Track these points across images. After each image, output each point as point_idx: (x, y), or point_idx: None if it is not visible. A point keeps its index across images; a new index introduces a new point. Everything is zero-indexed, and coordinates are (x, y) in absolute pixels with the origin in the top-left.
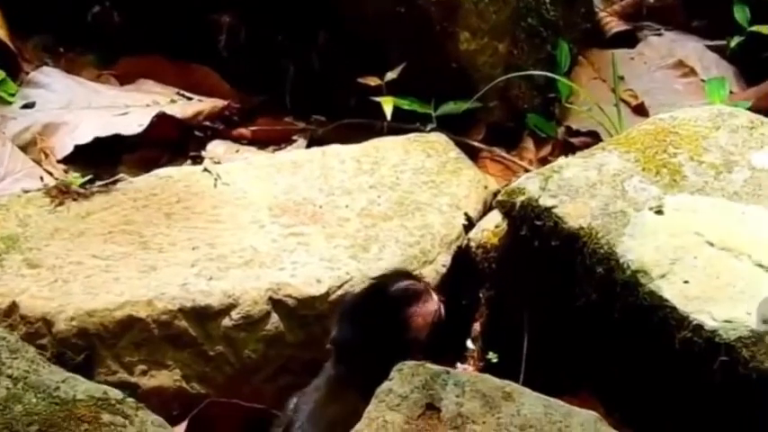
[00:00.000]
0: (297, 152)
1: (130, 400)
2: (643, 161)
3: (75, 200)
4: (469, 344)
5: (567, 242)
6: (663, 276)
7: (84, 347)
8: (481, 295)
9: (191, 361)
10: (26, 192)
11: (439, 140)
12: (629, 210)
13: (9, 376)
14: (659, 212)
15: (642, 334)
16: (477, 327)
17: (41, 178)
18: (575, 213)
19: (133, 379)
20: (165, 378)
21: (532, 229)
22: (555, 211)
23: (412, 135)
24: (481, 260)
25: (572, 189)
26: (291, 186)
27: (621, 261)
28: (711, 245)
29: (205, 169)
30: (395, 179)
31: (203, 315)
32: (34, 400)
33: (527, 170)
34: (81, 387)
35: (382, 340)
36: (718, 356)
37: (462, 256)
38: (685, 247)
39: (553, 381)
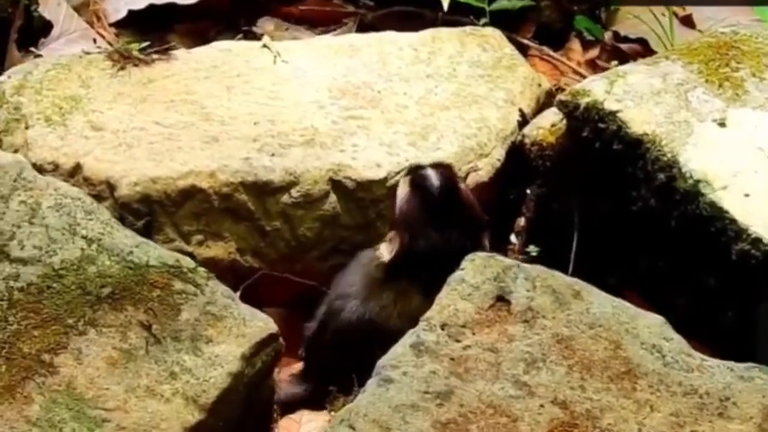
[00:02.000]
0: (353, 36)
1: (202, 269)
2: (706, 73)
3: (136, 65)
4: (512, 238)
5: (630, 147)
6: (724, 188)
7: (145, 213)
8: (529, 191)
9: (247, 234)
10: (87, 53)
11: (494, 35)
12: (693, 120)
13: (84, 237)
14: (722, 125)
15: (698, 243)
16: (521, 222)
17: (94, 40)
18: (639, 119)
19: (189, 248)
20: (221, 250)
21: (595, 132)
22: (619, 115)
23: (467, 28)
24: (535, 157)
25: (636, 95)
26: (350, 69)
27: (684, 170)
28: None
29: (264, 45)
30: (451, 70)
31: (264, 190)
32: (108, 263)
33: (575, 71)
34: (154, 253)
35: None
36: None
37: (515, 152)
38: (747, 162)
39: (598, 281)
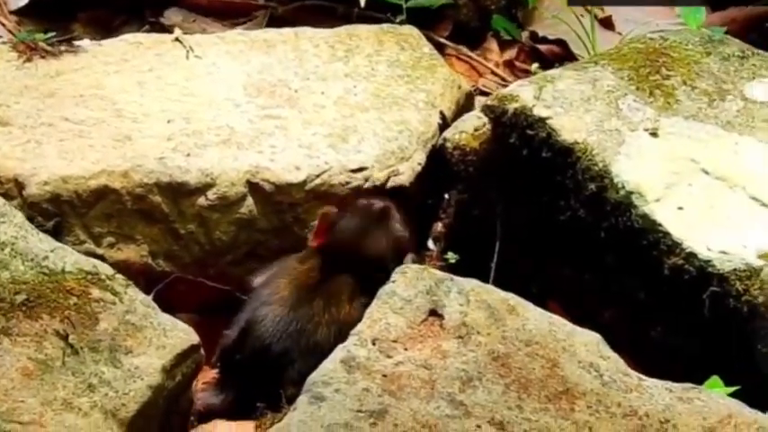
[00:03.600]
0: (268, 31)
1: (120, 276)
2: (636, 80)
3: (43, 57)
4: (430, 244)
5: (560, 155)
6: (657, 200)
7: (54, 214)
8: (447, 196)
9: (160, 237)
10: None
11: (412, 34)
12: (624, 129)
13: None
14: (654, 135)
15: (628, 256)
16: (438, 227)
17: None
18: (569, 127)
19: (100, 251)
20: (133, 253)
21: (523, 138)
22: (549, 122)
23: (384, 25)
24: (457, 161)
25: (566, 101)
26: (265, 66)
27: (616, 181)
28: (706, 173)
29: (177, 39)
30: (370, 69)
31: (179, 192)
32: (22, 268)
33: (493, 72)
34: (70, 258)
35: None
36: (708, 287)
37: (436, 156)
38: (680, 173)
39: (520, 290)
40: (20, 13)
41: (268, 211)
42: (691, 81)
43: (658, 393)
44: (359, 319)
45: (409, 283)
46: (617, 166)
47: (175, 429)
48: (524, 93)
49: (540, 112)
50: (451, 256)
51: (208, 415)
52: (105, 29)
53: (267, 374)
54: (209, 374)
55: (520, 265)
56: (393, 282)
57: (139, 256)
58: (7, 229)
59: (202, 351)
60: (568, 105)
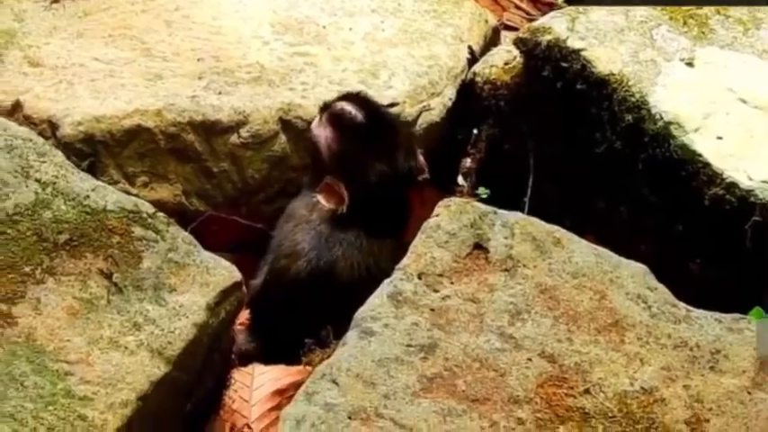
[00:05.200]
0: None
1: (161, 214)
2: (669, 10)
3: None
4: (460, 179)
5: (595, 87)
6: (696, 131)
7: (88, 154)
8: (477, 131)
9: (193, 176)
10: None
11: None
12: (660, 59)
13: (37, 180)
14: (690, 64)
15: (667, 187)
16: (467, 162)
17: None
18: (604, 58)
19: (134, 190)
20: (166, 192)
21: (556, 71)
22: (583, 54)
23: None
24: (487, 96)
25: (600, 33)
26: (291, 4)
27: (653, 111)
28: (744, 102)
29: None
30: (396, 5)
31: (212, 130)
32: (64, 208)
33: (517, 6)
34: (111, 197)
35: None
36: (751, 217)
37: (465, 91)
38: (718, 103)
39: (554, 223)
40: None
41: (300, 148)
42: (724, 10)
43: (708, 324)
44: (383, 259)
45: (453, 216)
46: (654, 96)
47: (218, 366)
48: (557, 25)
49: (573, 43)
50: (483, 191)
51: (244, 358)
52: None
53: (294, 322)
54: (243, 315)
55: (553, 200)
56: (437, 215)
57: (173, 195)
58: (48, 169)
59: (244, 288)
60: (602, 37)
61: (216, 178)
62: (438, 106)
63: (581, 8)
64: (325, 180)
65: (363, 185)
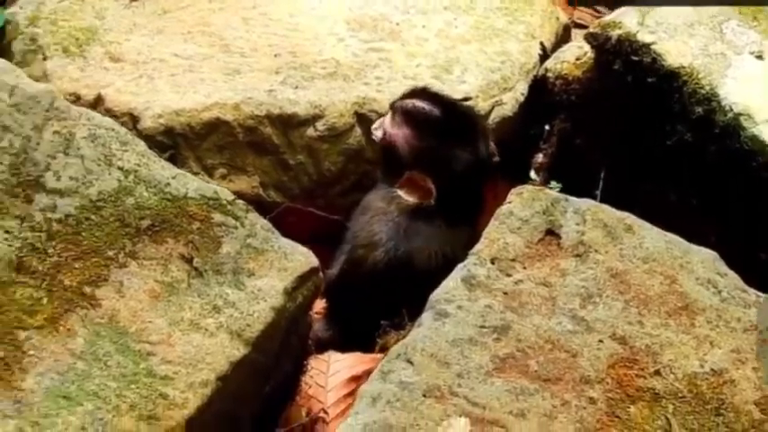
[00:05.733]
0: None
1: (240, 201)
2: (738, 5)
3: None
4: (532, 174)
5: (666, 80)
6: (766, 121)
7: (168, 146)
8: (547, 127)
9: (270, 169)
10: None
11: None
12: (729, 52)
13: (120, 168)
14: (760, 57)
15: (737, 178)
16: (539, 158)
17: None
18: (674, 51)
19: (213, 182)
20: (244, 184)
21: (627, 65)
22: (654, 47)
23: None
24: (559, 91)
25: (670, 27)
26: (366, 1)
27: (723, 103)
28: None
29: None
30: (469, 2)
31: (288, 123)
32: (146, 194)
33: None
34: (192, 185)
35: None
36: None
37: (537, 86)
38: None
39: None
40: None
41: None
42: None
43: None
44: (459, 247)
45: (525, 203)
46: (724, 88)
47: (295, 350)
48: (627, 19)
49: (644, 37)
50: (555, 185)
51: (320, 345)
52: None
53: (370, 311)
54: (320, 304)
55: (623, 192)
56: (510, 203)
57: (250, 187)
58: (130, 157)
59: (321, 274)
60: (672, 31)
61: (293, 170)
62: (510, 101)
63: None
64: (405, 175)
65: (449, 176)
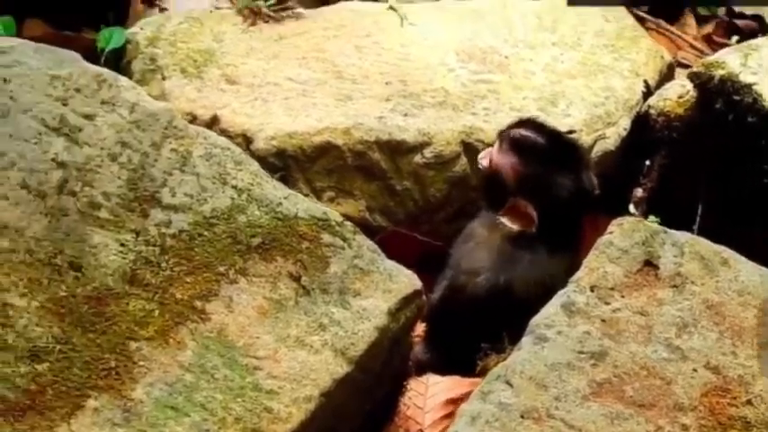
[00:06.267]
0: (477, 1)
1: (348, 223)
2: None
3: (266, 22)
4: (631, 208)
5: (766, 120)
6: None
7: (279, 168)
8: (648, 162)
9: (377, 193)
10: (218, 8)
11: (615, 7)
12: None
13: (234, 187)
14: None
15: None
16: (638, 192)
17: None
18: None
19: (321, 204)
20: (351, 207)
21: (728, 104)
22: (755, 87)
23: None
24: (661, 128)
25: None
26: (476, 34)
27: None
28: None
29: (390, 7)
30: (576, 39)
31: (397, 149)
32: (257, 213)
33: (692, 45)
34: (302, 205)
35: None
36: None
37: (639, 122)
38: None
39: None
40: None
41: (479, 169)
42: None
43: None
44: (558, 275)
45: (625, 234)
46: None
47: (395, 370)
48: (730, 60)
49: (746, 78)
50: (653, 220)
51: (419, 368)
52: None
53: (470, 337)
54: (421, 327)
55: (720, 228)
56: (610, 233)
57: (357, 211)
58: (244, 177)
59: (424, 297)
60: None
61: (399, 196)
62: (613, 135)
63: (753, 44)
64: (509, 202)
65: (552, 204)
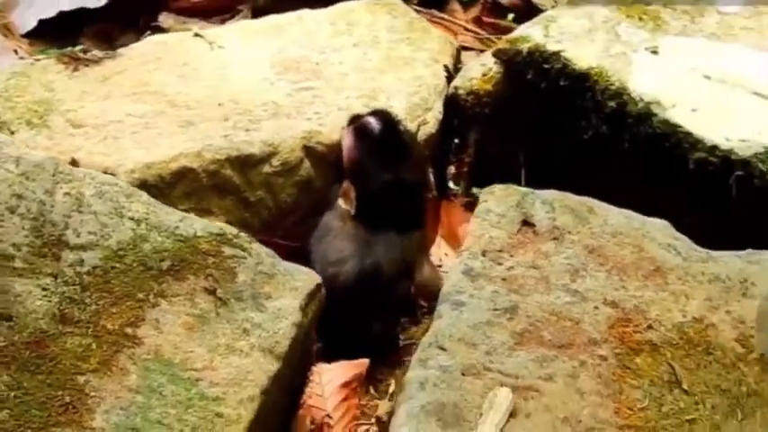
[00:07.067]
0: (274, 18)
1: (243, 234)
2: (625, 10)
3: (87, 65)
4: (451, 184)
5: (578, 81)
6: (673, 107)
7: None
8: (456, 140)
9: (233, 207)
10: (38, 60)
11: (394, 3)
12: (628, 51)
13: (131, 218)
14: (655, 52)
15: (653, 159)
16: (452, 169)
17: (15, 51)
18: (581, 55)
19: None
20: None
21: (540, 73)
22: (563, 54)
23: (362, 0)
24: (472, 105)
25: (572, 35)
26: (283, 47)
27: (633, 95)
28: (708, 78)
29: (196, 34)
30: (373, 37)
31: (246, 163)
32: (159, 239)
33: (467, 29)
34: (198, 224)
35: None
36: (733, 172)
37: (451, 104)
38: (685, 81)
39: None
40: (29, 35)
41: (322, 170)
42: (671, 3)
43: (730, 260)
44: (412, 251)
45: (499, 200)
46: (633, 82)
47: (305, 363)
48: (533, 32)
49: (552, 46)
50: (477, 191)
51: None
52: (107, 40)
53: (351, 320)
54: None
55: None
56: (485, 201)
57: None
58: (138, 207)
59: (323, 290)
60: (574, 38)
61: (253, 206)
62: (432, 120)
63: (549, 16)
64: (343, 185)
65: (370, 189)
